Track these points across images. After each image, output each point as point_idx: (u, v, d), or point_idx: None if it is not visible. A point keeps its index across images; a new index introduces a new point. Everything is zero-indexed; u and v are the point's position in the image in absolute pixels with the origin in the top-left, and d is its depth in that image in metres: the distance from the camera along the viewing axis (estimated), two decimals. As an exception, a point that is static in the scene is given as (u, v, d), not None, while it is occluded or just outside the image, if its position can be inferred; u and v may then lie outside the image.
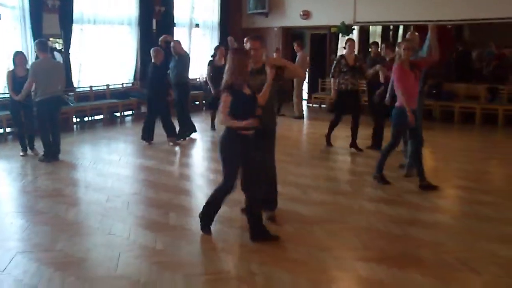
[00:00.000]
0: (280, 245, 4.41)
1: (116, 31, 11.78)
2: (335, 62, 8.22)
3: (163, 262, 4.08)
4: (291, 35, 14.44)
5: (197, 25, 13.69)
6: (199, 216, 4.67)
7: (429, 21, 11.65)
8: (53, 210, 5.34)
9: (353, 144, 8.11)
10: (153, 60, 8.50)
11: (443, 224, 5.00)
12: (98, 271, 3.95)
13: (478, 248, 4.34)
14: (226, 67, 4.30)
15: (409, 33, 7.21)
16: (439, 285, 3.68)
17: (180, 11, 13.08)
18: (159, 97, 8.56)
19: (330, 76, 8.24)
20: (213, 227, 4.84)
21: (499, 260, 4.10)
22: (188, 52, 9.24)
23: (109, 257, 4.14)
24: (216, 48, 9.71)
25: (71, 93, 10.64)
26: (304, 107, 13.25)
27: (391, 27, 13.93)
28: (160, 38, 9.01)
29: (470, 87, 11.82)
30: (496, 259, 4.12)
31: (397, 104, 5.96)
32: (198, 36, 13.81)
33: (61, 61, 9.71)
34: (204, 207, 4.65)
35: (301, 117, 11.71)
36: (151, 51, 8.57)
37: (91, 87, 11.26)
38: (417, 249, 4.32)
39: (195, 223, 4.95)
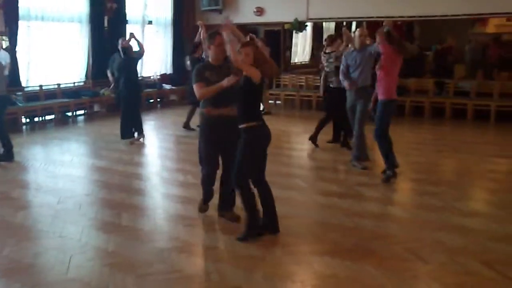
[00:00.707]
0: (234, 242, 4.41)
1: (66, 28, 11.44)
2: (332, 58, 7.97)
3: (115, 263, 4.02)
4: (246, 31, 14.42)
5: (150, 22, 13.50)
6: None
7: (380, 17, 12.00)
8: None
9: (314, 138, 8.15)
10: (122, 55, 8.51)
11: (394, 216, 5.15)
12: (47, 276, 3.84)
13: (425, 238, 4.48)
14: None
15: (359, 29, 7.33)
16: (389, 276, 3.78)
17: (133, 8, 12.83)
18: (133, 93, 8.57)
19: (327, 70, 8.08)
20: (165, 224, 4.84)
21: (444, 248, 4.26)
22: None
23: (60, 261, 4.04)
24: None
25: (19, 93, 10.27)
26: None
27: (344, 23, 14.14)
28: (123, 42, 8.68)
29: (419, 81, 12.18)
30: (441, 247, 4.27)
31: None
32: (151, 33, 13.61)
33: (8, 60, 9.36)
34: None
35: (269, 112, 11.74)
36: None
37: (41, 86, 10.89)
38: (369, 241, 4.42)
39: (148, 223, 4.92)
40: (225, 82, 4.38)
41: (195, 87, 4.58)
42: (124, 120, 8.68)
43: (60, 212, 5.22)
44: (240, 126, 4.33)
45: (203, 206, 5.08)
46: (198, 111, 5.67)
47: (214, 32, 4.64)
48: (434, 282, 3.69)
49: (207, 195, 5.03)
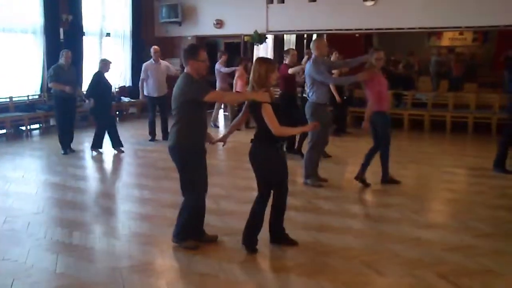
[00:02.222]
0: (189, 259, 4.29)
1: (19, 39, 11.08)
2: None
3: (63, 285, 3.85)
4: (205, 44, 14.37)
5: (108, 34, 13.25)
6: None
7: (339, 30, 12.18)
8: None
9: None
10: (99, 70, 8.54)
11: (351, 229, 5.12)
12: (-14, 303, 3.62)
13: (382, 250, 4.47)
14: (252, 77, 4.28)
15: (316, 39, 7.33)
16: (345, 290, 3.74)
17: (90, 20, 12.58)
18: (107, 107, 8.68)
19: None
20: (118, 243, 4.69)
21: (401, 260, 4.26)
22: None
23: (0, 286, 3.81)
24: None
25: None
26: (221, 115, 13.25)
27: (305, 35, 14.28)
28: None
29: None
30: (398, 260, 4.27)
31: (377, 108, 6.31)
32: (109, 45, 13.36)
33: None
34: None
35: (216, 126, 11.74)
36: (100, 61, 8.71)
37: (-9, 99, 10.50)
38: (325, 255, 4.37)
39: (100, 241, 4.74)
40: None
41: (212, 94, 4.38)
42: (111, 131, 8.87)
43: (5, 233, 4.96)
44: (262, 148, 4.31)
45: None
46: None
47: (196, 46, 4.45)
48: (390, 296, 3.67)
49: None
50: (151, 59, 9.88)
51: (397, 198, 6.07)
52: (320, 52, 6.55)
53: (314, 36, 14.48)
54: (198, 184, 4.42)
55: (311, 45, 6.66)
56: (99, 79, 8.55)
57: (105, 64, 8.65)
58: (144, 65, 9.93)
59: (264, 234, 4.86)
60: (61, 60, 8.69)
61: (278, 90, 8.42)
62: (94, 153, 8.82)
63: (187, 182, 4.43)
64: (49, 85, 8.89)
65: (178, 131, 4.33)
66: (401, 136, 10.87)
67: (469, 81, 12.37)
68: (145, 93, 9.91)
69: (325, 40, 6.97)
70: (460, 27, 11.97)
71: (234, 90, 10.86)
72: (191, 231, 4.54)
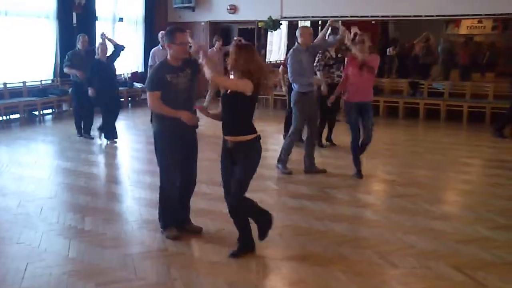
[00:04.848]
0: (201, 247, 4.28)
1: (32, 24, 11.06)
2: (319, 55, 7.88)
3: (75, 271, 3.84)
4: (219, 30, 14.28)
5: (120, 20, 13.20)
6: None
7: (354, 16, 12.00)
8: (-49, 220, 4.89)
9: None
10: (99, 56, 8.18)
11: (364, 219, 5.06)
12: (-1, 286, 3.63)
13: (395, 241, 4.41)
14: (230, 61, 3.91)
15: (301, 26, 7.25)
16: (358, 281, 3.69)
17: (103, 5, 12.54)
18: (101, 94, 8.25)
19: (317, 70, 7.85)
20: (130, 229, 4.68)
21: (415, 251, 4.19)
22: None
23: (14, 270, 3.82)
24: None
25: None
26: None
27: (320, 22, 14.11)
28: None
29: (394, 82, 12.22)
30: (412, 251, 4.20)
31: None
32: (122, 30, 13.31)
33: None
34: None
35: None
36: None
37: (5, 84, 10.51)
38: (338, 245, 4.32)
39: (112, 227, 4.74)
40: (185, 117, 4.12)
41: (150, 95, 4.22)
42: (107, 120, 8.44)
43: (19, 217, 4.98)
44: (238, 140, 3.96)
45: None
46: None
47: (173, 29, 4.26)
48: (403, 287, 3.62)
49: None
50: (159, 45, 9.46)
51: (411, 189, 5.99)
52: (304, 40, 6.46)
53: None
54: (166, 170, 4.38)
55: (297, 32, 6.59)
56: (92, 66, 8.20)
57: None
58: (152, 51, 9.54)
59: (276, 222, 4.83)
60: (78, 45, 8.64)
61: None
62: (109, 142, 8.57)
63: (159, 165, 4.44)
64: (64, 70, 8.84)
65: (154, 115, 4.39)
66: (417, 126, 10.76)
67: (488, 71, 12.16)
68: None
69: (311, 29, 6.83)
70: (479, 15, 11.71)
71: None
72: (168, 219, 4.51)
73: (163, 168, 4.41)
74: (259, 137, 4.00)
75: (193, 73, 4.29)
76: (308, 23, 14.37)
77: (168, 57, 4.25)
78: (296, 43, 6.58)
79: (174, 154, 4.34)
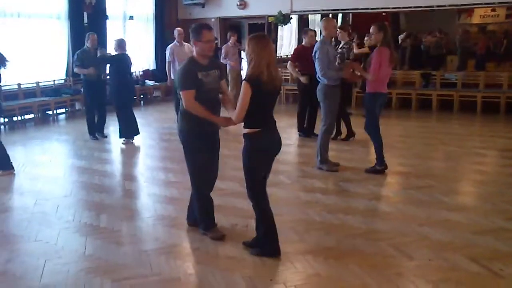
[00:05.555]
0: (216, 242, 4.29)
1: (44, 25, 11.17)
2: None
3: (92, 267, 3.88)
4: (229, 26, 14.28)
5: (131, 18, 13.26)
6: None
7: (364, 9, 11.92)
8: (-30, 218, 4.97)
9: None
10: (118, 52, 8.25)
11: (379, 211, 5.05)
12: (19, 284, 3.68)
13: (410, 233, 4.39)
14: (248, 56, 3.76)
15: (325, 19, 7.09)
16: (373, 273, 3.68)
17: (113, 4, 12.61)
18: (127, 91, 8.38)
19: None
20: (145, 225, 4.71)
21: (430, 243, 4.18)
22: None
23: (33, 267, 3.89)
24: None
25: (-3, 92, 10.01)
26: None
27: (330, 15, 14.04)
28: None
29: (406, 73, 12.12)
30: (427, 243, 4.19)
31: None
32: (132, 28, 13.37)
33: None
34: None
35: None
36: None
37: (19, 84, 10.63)
38: (353, 238, 4.32)
39: (127, 224, 4.78)
40: (222, 123, 4.05)
41: (185, 94, 4.01)
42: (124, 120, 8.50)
43: (36, 215, 5.05)
44: (243, 132, 3.90)
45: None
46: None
47: (199, 26, 4.13)
48: (419, 279, 3.60)
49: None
50: (175, 41, 9.36)
51: (426, 180, 5.95)
52: (328, 33, 6.39)
53: (340, 16, 14.33)
54: (201, 170, 4.26)
55: (321, 25, 6.51)
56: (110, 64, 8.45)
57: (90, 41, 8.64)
58: (169, 47, 9.37)
59: (290, 216, 4.84)
60: (87, 44, 8.70)
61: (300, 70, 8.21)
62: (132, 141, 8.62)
63: (190, 168, 4.30)
64: (74, 70, 8.90)
65: (181, 115, 4.22)
66: (430, 117, 10.67)
67: (505, 60, 12.00)
68: (172, 76, 9.13)
69: (335, 21, 6.69)
70: (493, 3, 11.55)
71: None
72: (209, 220, 4.44)
73: (196, 169, 4.26)
74: (263, 132, 3.93)
75: (220, 75, 4.24)
76: (318, 17, 14.33)
77: (195, 54, 4.14)
78: (321, 36, 6.47)
79: (206, 152, 4.24)
